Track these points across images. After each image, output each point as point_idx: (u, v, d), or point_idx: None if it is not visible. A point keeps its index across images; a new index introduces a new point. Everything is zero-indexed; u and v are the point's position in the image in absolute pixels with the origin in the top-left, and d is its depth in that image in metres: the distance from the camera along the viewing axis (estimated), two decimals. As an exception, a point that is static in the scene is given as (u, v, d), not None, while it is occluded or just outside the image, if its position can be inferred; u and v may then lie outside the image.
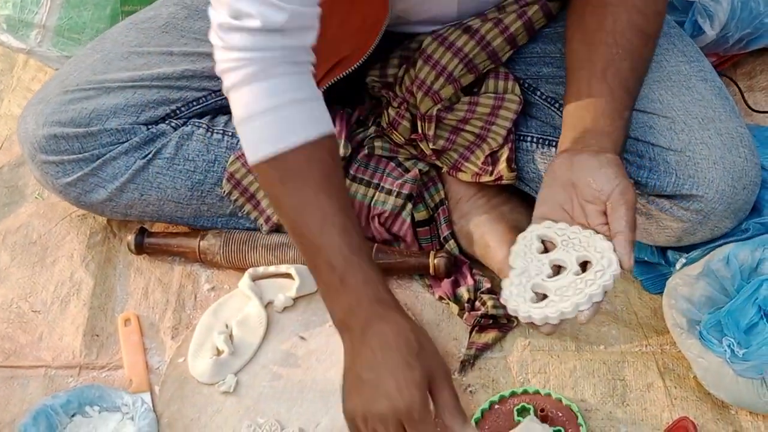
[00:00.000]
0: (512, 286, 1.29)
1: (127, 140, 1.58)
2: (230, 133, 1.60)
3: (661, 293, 1.49)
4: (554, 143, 1.53)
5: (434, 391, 1.22)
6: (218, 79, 1.30)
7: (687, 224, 1.44)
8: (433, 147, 1.56)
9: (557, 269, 1.30)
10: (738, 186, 1.42)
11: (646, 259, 1.54)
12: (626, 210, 1.26)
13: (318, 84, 1.35)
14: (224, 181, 1.59)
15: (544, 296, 1.28)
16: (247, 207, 1.61)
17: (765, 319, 1.36)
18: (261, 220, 1.61)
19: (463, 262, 1.59)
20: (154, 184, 1.59)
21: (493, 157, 1.55)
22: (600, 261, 1.26)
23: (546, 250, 1.31)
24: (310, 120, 1.29)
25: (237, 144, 1.60)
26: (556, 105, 1.54)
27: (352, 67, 1.52)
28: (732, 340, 1.34)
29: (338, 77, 1.53)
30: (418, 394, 1.20)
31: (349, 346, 1.26)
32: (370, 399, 1.21)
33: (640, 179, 1.45)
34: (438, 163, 1.59)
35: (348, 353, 1.26)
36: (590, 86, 1.36)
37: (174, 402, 1.49)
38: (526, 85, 1.57)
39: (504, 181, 1.55)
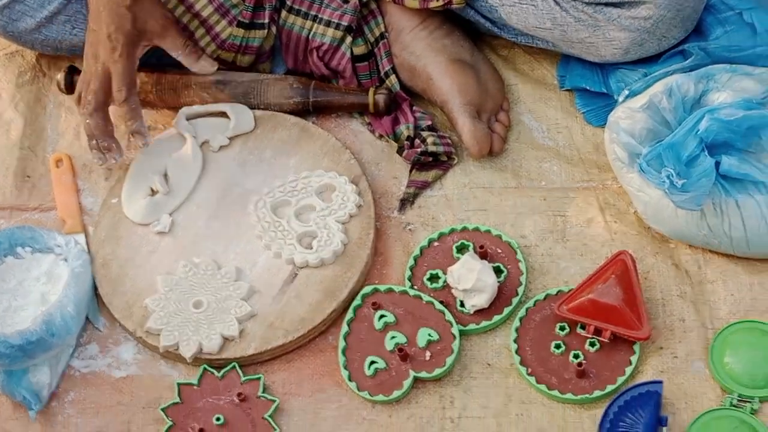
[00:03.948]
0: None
1: None
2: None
3: (603, 126, 1.46)
4: None
5: (155, 40, 1.45)
6: None
7: (635, 34, 1.43)
8: (377, -26, 1.51)
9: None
10: None
11: (588, 88, 1.51)
12: None
13: None
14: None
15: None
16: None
17: (706, 152, 1.34)
18: (194, 55, 1.56)
19: (404, 99, 1.55)
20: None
21: (440, -19, 1.50)
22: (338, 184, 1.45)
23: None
24: None
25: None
26: None
27: None
28: (671, 170, 1.32)
29: None
30: (124, 37, 1.41)
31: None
32: (92, 50, 1.43)
33: None
34: (384, -9, 1.54)
35: (87, 10, 1.45)
36: None
37: (108, 243, 1.46)
38: None
39: (453, 6, 1.50)
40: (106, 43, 1.42)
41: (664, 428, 1.28)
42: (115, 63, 1.42)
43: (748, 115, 1.35)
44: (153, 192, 1.48)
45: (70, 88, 1.58)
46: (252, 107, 1.55)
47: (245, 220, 1.46)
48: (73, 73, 1.59)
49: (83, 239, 1.47)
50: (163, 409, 1.34)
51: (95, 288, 1.43)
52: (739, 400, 1.29)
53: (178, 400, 1.35)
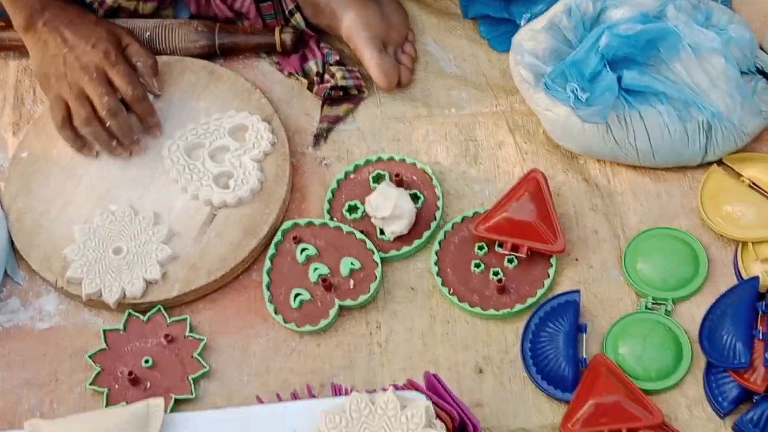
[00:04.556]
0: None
1: None
2: None
3: (508, 52, 1.49)
4: None
5: (122, 47, 1.46)
6: None
7: None
8: None
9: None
10: None
11: (491, 14, 1.53)
12: None
13: None
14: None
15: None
16: (79, -11, 1.53)
17: (607, 67, 1.38)
18: (95, 4, 1.53)
19: (310, 36, 1.55)
20: None
21: None
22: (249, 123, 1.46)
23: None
24: None
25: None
26: None
27: None
28: (575, 85, 1.35)
29: None
30: (110, 44, 1.43)
31: (36, 44, 1.45)
32: (70, 66, 1.42)
33: None
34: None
35: (38, 49, 1.45)
36: None
37: (21, 197, 1.44)
38: None
39: None
40: (94, 52, 1.42)
41: (584, 335, 1.32)
42: (116, 65, 1.43)
43: (645, 29, 1.39)
44: (64, 144, 1.47)
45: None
46: (158, 53, 1.53)
47: (160, 165, 1.45)
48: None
49: (-5, 196, 1.46)
50: (90, 356, 1.33)
51: (12, 243, 1.41)
52: (653, 303, 1.34)
53: (104, 346, 1.34)
